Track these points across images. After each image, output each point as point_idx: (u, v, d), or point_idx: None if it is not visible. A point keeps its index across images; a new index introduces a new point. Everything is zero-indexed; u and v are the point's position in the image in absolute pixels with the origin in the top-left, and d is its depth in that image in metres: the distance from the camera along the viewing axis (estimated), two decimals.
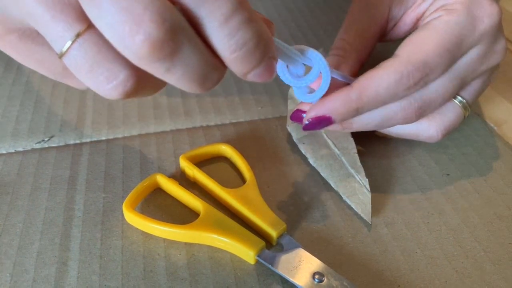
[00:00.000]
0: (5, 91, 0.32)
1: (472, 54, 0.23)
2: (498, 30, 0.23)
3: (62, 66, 0.18)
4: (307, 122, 0.22)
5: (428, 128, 0.24)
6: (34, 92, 0.32)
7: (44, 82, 0.33)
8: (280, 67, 0.20)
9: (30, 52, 0.18)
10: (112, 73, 0.15)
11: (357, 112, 0.22)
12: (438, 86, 0.23)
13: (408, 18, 0.25)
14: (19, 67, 0.35)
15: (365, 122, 0.23)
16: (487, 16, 0.22)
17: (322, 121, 0.22)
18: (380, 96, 0.21)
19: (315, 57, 0.20)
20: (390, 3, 0.24)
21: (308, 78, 0.21)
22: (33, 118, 0.30)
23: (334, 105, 0.22)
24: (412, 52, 0.22)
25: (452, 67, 0.23)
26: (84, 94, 0.32)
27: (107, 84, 0.15)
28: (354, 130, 0.24)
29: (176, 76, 0.15)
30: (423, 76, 0.21)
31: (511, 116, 0.30)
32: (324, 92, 0.21)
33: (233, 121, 0.29)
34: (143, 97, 0.27)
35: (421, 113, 0.23)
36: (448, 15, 0.22)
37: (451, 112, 0.24)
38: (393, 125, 0.24)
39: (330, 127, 0.24)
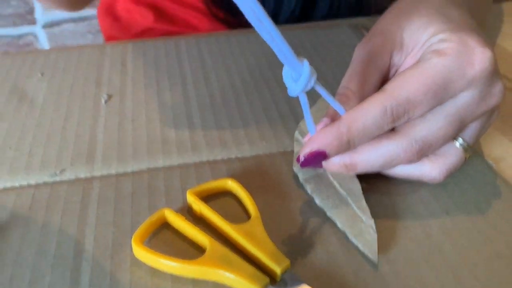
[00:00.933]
0: (18, 124, 0.33)
1: (467, 97, 0.24)
2: (492, 74, 0.24)
3: None
4: (303, 158, 0.23)
5: (430, 171, 0.25)
6: (46, 126, 0.33)
7: (56, 116, 0.34)
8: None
9: None
10: None
11: (349, 144, 0.23)
12: (436, 129, 0.24)
13: (407, 64, 0.26)
14: (32, 100, 0.36)
15: (369, 163, 0.24)
16: (478, 62, 0.23)
17: (317, 156, 0.23)
18: (368, 128, 0.23)
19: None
20: (391, 51, 0.26)
21: None
22: (45, 152, 0.31)
23: (326, 139, 0.23)
24: (397, 87, 0.23)
25: (448, 110, 0.24)
26: (95, 128, 0.33)
27: None
28: (359, 172, 0.25)
29: None
30: (405, 111, 0.23)
31: (509, 153, 0.31)
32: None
33: (239, 155, 0.30)
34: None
35: (422, 153, 0.24)
36: (438, 57, 0.23)
37: (453, 155, 0.25)
38: (396, 165, 0.25)
39: (336, 169, 0.25)
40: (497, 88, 0.25)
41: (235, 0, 0.18)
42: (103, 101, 0.35)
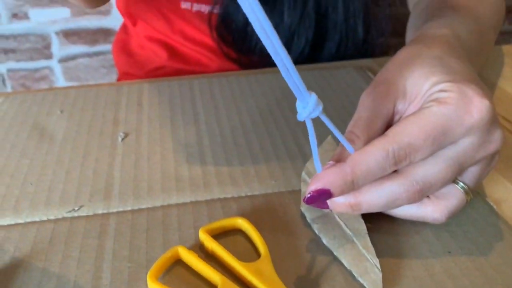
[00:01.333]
0: (39, 160, 0.35)
1: (466, 144, 0.25)
2: (490, 123, 0.25)
3: None
4: (308, 195, 0.25)
5: (433, 212, 0.26)
6: (66, 162, 0.35)
7: (75, 153, 0.36)
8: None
9: None
10: None
11: (353, 184, 0.25)
12: (436, 171, 0.25)
13: (410, 111, 0.27)
14: (52, 137, 0.38)
15: (373, 203, 0.25)
16: (476, 111, 0.25)
17: (322, 194, 0.25)
18: (371, 169, 0.24)
19: None
20: (395, 99, 0.27)
21: None
22: (65, 188, 0.32)
23: (331, 178, 0.24)
24: (398, 133, 0.25)
25: (447, 154, 0.25)
26: (112, 165, 0.34)
27: None
28: (364, 211, 0.26)
29: None
30: (407, 155, 0.25)
31: (510, 195, 0.32)
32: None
33: (249, 194, 0.32)
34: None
35: (423, 194, 0.25)
36: (438, 106, 0.25)
37: (454, 197, 0.26)
38: (399, 205, 0.26)
39: (342, 209, 0.26)
40: (496, 136, 0.26)
41: (257, 31, 0.20)
42: (120, 139, 0.37)
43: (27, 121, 0.40)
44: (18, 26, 0.95)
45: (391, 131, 0.25)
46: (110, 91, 0.45)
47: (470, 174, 0.27)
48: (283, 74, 0.21)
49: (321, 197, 0.25)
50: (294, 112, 0.41)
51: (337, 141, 0.29)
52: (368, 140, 0.26)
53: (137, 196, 0.31)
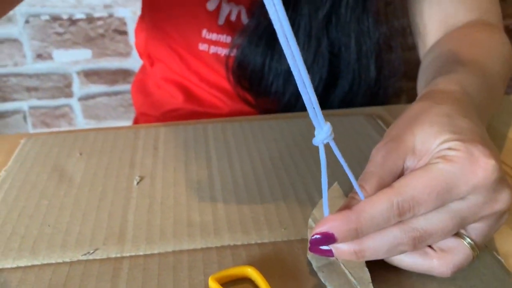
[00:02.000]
0: (57, 202, 0.36)
1: (470, 200, 0.26)
2: (496, 183, 0.26)
3: None
4: (313, 238, 0.26)
5: (439, 266, 0.26)
6: (83, 205, 0.36)
7: (92, 195, 0.37)
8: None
9: None
10: None
11: (357, 232, 0.25)
12: (437, 221, 0.26)
13: (419, 167, 0.28)
14: (71, 179, 0.39)
15: (376, 250, 0.26)
16: (481, 171, 0.25)
17: (326, 238, 0.25)
18: (375, 219, 0.25)
19: None
20: (405, 156, 0.28)
21: None
22: (81, 230, 0.33)
23: (336, 223, 0.25)
24: (404, 185, 0.26)
25: (450, 206, 0.26)
26: (127, 209, 0.35)
27: None
28: (368, 258, 0.27)
29: None
30: (410, 207, 0.25)
31: None
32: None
33: (258, 241, 0.32)
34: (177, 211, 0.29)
35: (423, 241, 0.26)
36: (444, 163, 0.26)
37: (460, 252, 0.27)
38: (401, 252, 0.26)
39: (346, 256, 0.26)
40: (503, 195, 0.27)
41: (292, 68, 0.21)
42: (135, 182, 0.39)
43: (48, 163, 0.42)
44: (42, 66, 0.99)
45: (397, 183, 0.26)
46: (128, 134, 0.46)
47: (477, 231, 0.27)
48: (305, 101, 0.23)
49: (325, 240, 0.25)
50: (305, 159, 0.42)
51: (343, 188, 0.30)
52: None
53: (150, 241, 0.32)
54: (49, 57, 0.98)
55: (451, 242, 0.27)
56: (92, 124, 1.07)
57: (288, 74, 0.57)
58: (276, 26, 0.21)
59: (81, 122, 1.06)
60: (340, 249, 0.26)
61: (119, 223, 0.34)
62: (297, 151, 0.43)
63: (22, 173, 0.40)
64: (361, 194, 0.26)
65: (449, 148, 0.26)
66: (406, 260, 0.27)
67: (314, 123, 0.24)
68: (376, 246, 0.26)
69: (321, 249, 0.26)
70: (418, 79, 0.50)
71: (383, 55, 0.59)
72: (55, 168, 0.41)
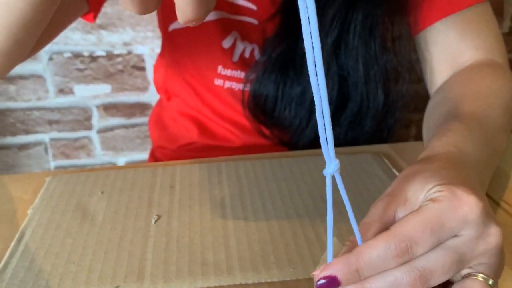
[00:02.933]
0: (80, 240, 0.39)
1: (464, 235, 0.28)
2: (483, 216, 0.28)
3: None
4: (318, 282, 0.27)
5: None
6: (105, 243, 0.39)
7: (113, 234, 0.39)
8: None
9: None
10: None
11: (358, 273, 0.27)
12: (436, 258, 0.27)
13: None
14: (93, 218, 0.42)
15: None
16: (465, 205, 0.27)
17: (330, 281, 0.27)
18: (374, 261, 0.27)
19: None
20: (396, 208, 0.30)
21: None
22: (103, 268, 0.36)
23: (338, 266, 0.27)
24: (399, 227, 0.28)
25: (447, 243, 0.28)
26: (145, 247, 0.38)
27: None
28: None
29: None
30: (408, 247, 0.27)
31: None
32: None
33: (268, 280, 0.34)
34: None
35: (424, 280, 0.27)
36: (432, 203, 0.28)
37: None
38: None
39: None
40: (493, 230, 0.28)
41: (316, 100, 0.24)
42: (153, 221, 0.41)
43: (71, 201, 0.44)
44: (64, 100, 1.04)
45: (393, 227, 0.28)
46: (146, 172, 0.49)
47: (483, 266, 0.28)
48: (321, 137, 0.25)
49: (330, 284, 0.27)
50: (313, 198, 0.44)
51: (342, 242, 0.32)
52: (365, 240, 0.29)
53: (167, 279, 0.34)
54: (71, 92, 1.03)
55: (467, 283, 0.28)
56: (110, 155, 1.10)
57: (299, 99, 0.59)
58: (309, 63, 0.23)
59: (99, 153, 1.10)
60: None
61: (138, 261, 0.36)
62: (306, 190, 0.46)
63: (48, 211, 0.43)
64: (359, 239, 0.28)
65: (435, 191, 0.29)
66: None
67: (326, 157, 0.26)
68: (377, 286, 0.27)
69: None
70: (424, 121, 0.52)
71: (390, 81, 0.61)
72: (78, 206, 0.44)
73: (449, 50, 0.58)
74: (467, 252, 0.28)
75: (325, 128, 0.25)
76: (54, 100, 1.04)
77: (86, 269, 0.36)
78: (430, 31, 0.58)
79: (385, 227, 0.29)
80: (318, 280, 0.28)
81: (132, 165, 0.52)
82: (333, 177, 0.26)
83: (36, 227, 0.41)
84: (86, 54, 1.00)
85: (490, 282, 0.29)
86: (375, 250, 0.27)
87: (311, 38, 0.23)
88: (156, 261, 0.36)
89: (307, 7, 0.22)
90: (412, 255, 0.27)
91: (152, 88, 1.04)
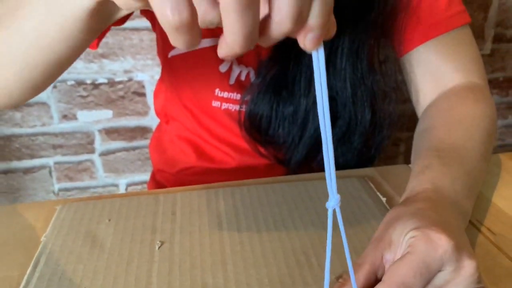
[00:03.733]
0: (91, 266, 0.43)
1: (445, 272, 0.32)
2: (455, 253, 0.32)
3: None
4: None
5: None
6: (113, 268, 0.42)
7: (120, 260, 0.43)
8: None
9: None
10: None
11: None
12: None
13: (398, 257, 0.34)
14: (102, 244, 0.46)
15: None
16: (438, 246, 0.32)
17: None
18: None
19: None
20: (383, 251, 0.35)
21: None
22: None
23: None
24: (392, 275, 0.31)
25: (434, 283, 0.32)
26: (150, 272, 0.42)
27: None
28: None
29: (241, 20, 0.22)
30: None
31: None
32: None
33: None
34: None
35: None
36: (412, 249, 0.32)
37: None
38: None
39: None
40: (466, 262, 0.32)
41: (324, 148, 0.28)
42: (157, 247, 0.45)
43: (81, 229, 0.48)
44: (67, 126, 1.08)
45: (386, 276, 0.32)
46: (149, 200, 0.53)
47: None
48: (326, 174, 0.29)
49: None
50: (304, 222, 0.48)
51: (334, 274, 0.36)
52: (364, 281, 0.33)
53: None
54: (74, 117, 1.07)
55: None
56: (112, 177, 1.14)
57: (291, 117, 0.64)
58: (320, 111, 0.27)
59: (101, 175, 1.14)
60: None
61: (145, 285, 0.40)
62: (297, 215, 0.50)
63: (60, 239, 0.47)
64: (353, 282, 0.32)
65: (411, 237, 0.33)
66: None
67: (329, 190, 0.30)
68: None
69: None
70: (413, 145, 0.56)
71: (377, 101, 0.65)
72: (88, 234, 0.47)
73: (432, 72, 0.62)
74: (449, 284, 0.32)
75: (329, 166, 0.29)
76: (58, 126, 1.08)
77: None
78: (413, 54, 0.63)
79: (374, 268, 0.34)
80: None
81: (135, 193, 0.55)
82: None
83: (50, 254, 0.45)
84: (88, 81, 1.04)
85: None
86: None
87: (321, 91, 0.27)
88: (161, 285, 0.40)
89: (318, 60, 0.27)
90: None
91: (152, 112, 1.08)
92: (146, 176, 1.14)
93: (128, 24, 0.64)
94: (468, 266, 0.32)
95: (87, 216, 0.51)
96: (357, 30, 0.60)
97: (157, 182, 0.81)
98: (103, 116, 1.07)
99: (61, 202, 0.54)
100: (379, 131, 0.67)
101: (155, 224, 0.49)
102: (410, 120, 0.65)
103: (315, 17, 0.25)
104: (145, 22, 0.68)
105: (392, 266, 0.32)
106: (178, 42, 0.24)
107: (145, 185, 1.14)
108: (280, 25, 0.24)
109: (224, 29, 0.24)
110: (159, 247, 0.45)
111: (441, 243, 0.32)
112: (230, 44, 0.24)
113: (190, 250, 0.44)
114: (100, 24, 0.36)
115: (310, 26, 0.25)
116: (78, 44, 0.37)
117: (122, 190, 1.15)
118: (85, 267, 0.43)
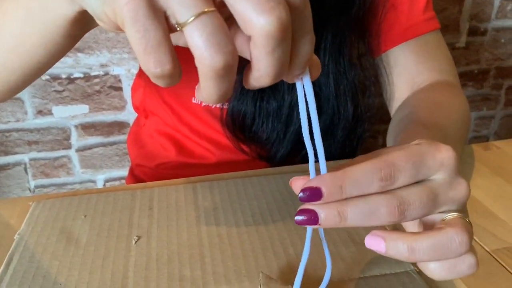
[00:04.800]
0: (66, 262, 0.42)
1: (439, 178, 0.30)
2: (456, 165, 0.31)
3: None
4: (301, 194, 0.28)
5: (455, 233, 0.29)
6: (89, 264, 0.42)
7: (96, 255, 0.43)
8: None
9: None
10: (223, 45, 0.23)
11: (341, 190, 0.28)
12: (414, 192, 0.29)
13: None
14: (77, 240, 0.45)
15: (357, 210, 0.28)
16: (443, 151, 0.31)
17: (313, 193, 0.28)
18: (359, 180, 0.28)
19: None
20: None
21: None
22: None
23: (324, 179, 0.28)
24: (385, 155, 0.30)
25: (425, 182, 0.30)
26: (127, 267, 0.41)
27: (219, 53, 0.23)
28: (350, 222, 0.29)
29: (274, 57, 0.24)
30: (391, 173, 0.29)
31: None
32: None
33: None
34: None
35: (401, 210, 0.29)
36: (414, 145, 0.31)
37: (459, 221, 0.30)
38: (381, 218, 0.29)
39: (330, 220, 0.29)
40: (463, 181, 0.31)
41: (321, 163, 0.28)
42: (133, 242, 0.44)
43: (56, 225, 0.47)
44: (42, 121, 1.06)
45: (379, 154, 0.30)
46: (126, 195, 0.53)
47: (454, 214, 0.31)
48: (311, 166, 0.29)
49: (312, 195, 0.28)
50: (282, 215, 0.48)
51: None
52: None
53: None
54: (49, 112, 1.05)
55: (448, 219, 0.30)
56: (89, 173, 1.12)
57: (276, 113, 0.64)
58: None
59: (78, 171, 1.12)
60: (325, 209, 0.28)
61: (121, 279, 0.40)
62: (275, 208, 0.50)
63: (34, 236, 0.46)
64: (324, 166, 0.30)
65: (416, 144, 0.32)
66: (425, 241, 0.29)
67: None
68: (357, 207, 0.28)
69: (306, 216, 0.29)
70: (387, 135, 0.57)
71: (359, 94, 0.66)
72: (63, 230, 0.47)
73: (409, 71, 0.63)
74: (441, 194, 0.30)
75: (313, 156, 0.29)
76: (33, 121, 1.06)
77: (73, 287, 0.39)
78: (390, 54, 0.64)
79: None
80: (302, 191, 0.28)
81: (112, 188, 0.55)
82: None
83: (23, 251, 0.44)
84: (64, 76, 1.02)
85: (467, 219, 0.31)
86: (361, 170, 0.28)
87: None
88: (138, 279, 0.40)
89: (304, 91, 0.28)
90: (393, 181, 0.29)
91: (129, 107, 1.07)
92: (124, 172, 1.13)
93: None
94: (464, 186, 0.31)
95: (62, 212, 0.50)
96: (339, 26, 0.61)
97: (135, 176, 0.80)
98: (79, 111, 1.06)
99: (36, 198, 0.53)
100: (360, 124, 0.68)
101: (132, 219, 0.48)
102: (387, 113, 0.66)
103: (296, 66, 0.26)
104: None
105: (388, 148, 0.31)
106: (158, 83, 0.25)
107: (124, 181, 1.13)
108: (259, 80, 0.26)
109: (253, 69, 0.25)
110: (135, 242, 0.44)
111: (447, 148, 0.31)
112: (258, 78, 0.26)
113: (167, 244, 0.44)
114: (81, 30, 0.36)
115: (292, 74, 0.26)
116: (58, 49, 0.37)
117: (100, 186, 1.14)
118: (60, 264, 0.42)
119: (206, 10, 0.23)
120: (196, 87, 0.27)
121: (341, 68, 0.63)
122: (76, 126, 1.08)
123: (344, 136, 0.67)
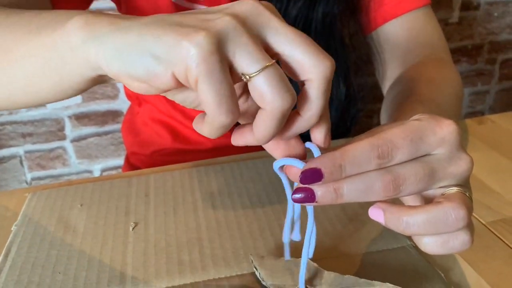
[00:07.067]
0: (65, 251, 0.42)
1: (439, 154, 0.30)
2: (458, 142, 0.30)
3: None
4: (302, 175, 0.28)
5: (453, 208, 0.29)
6: (87, 252, 0.42)
7: (94, 243, 0.43)
8: None
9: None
10: (289, 88, 0.27)
11: (341, 169, 0.28)
12: (410, 167, 0.29)
13: None
14: (75, 229, 0.45)
15: (353, 186, 0.29)
16: (445, 126, 0.30)
17: (314, 173, 0.28)
18: (357, 158, 0.28)
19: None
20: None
21: None
22: (87, 275, 0.39)
23: (323, 160, 0.28)
24: (383, 132, 0.29)
25: (422, 158, 0.30)
26: (125, 253, 0.41)
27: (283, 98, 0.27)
28: (345, 199, 0.29)
29: (326, 97, 0.29)
30: (388, 150, 0.29)
31: (455, 265, 0.38)
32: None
33: (239, 273, 0.38)
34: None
35: (396, 186, 0.29)
36: (414, 120, 0.31)
37: (458, 196, 0.30)
38: (376, 193, 0.29)
39: (328, 197, 0.29)
40: (465, 156, 0.31)
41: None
42: (131, 228, 0.44)
43: (53, 215, 0.47)
44: (35, 113, 1.05)
45: (376, 131, 0.30)
46: (122, 183, 0.52)
47: (454, 189, 0.30)
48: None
49: (313, 176, 0.28)
50: (278, 196, 0.48)
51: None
52: None
53: (146, 280, 0.38)
54: None
55: (447, 193, 0.30)
56: (85, 164, 1.12)
57: None
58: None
59: (74, 162, 1.12)
60: (322, 188, 0.28)
61: (120, 266, 0.40)
62: (272, 190, 0.50)
63: (31, 227, 0.46)
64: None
65: (416, 119, 0.31)
66: (421, 215, 0.29)
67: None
68: (353, 184, 0.29)
69: (304, 194, 0.29)
70: (381, 113, 0.57)
71: (351, 74, 0.65)
72: (60, 220, 0.47)
73: (399, 48, 0.63)
74: (439, 169, 0.30)
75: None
76: (26, 114, 1.05)
77: (72, 277, 0.39)
78: (381, 31, 0.64)
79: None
80: (302, 173, 0.29)
81: (108, 177, 0.55)
82: None
83: (21, 242, 0.44)
84: None
85: (467, 194, 0.30)
86: (359, 148, 0.28)
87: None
88: (136, 265, 0.40)
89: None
90: (391, 158, 0.29)
91: (122, 95, 1.06)
92: (120, 161, 1.13)
93: (93, 5, 0.61)
94: (466, 160, 0.31)
95: (59, 202, 0.50)
96: (329, 4, 0.60)
97: (132, 165, 0.80)
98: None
99: (32, 189, 0.53)
100: (353, 104, 0.68)
101: (129, 206, 0.48)
102: (381, 91, 0.66)
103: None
104: (109, 3, 0.66)
105: (386, 125, 0.30)
106: (219, 133, 0.30)
107: (120, 170, 1.12)
108: (309, 120, 0.29)
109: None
110: (133, 228, 0.45)
111: (448, 124, 0.30)
112: (308, 118, 0.30)
113: (165, 229, 0.44)
114: (95, 85, 0.35)
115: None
116: (67, 96, 0.37)
117: (96, 176, 1.14)
118: (59, 253, 0.42)
119: (268, 64, 0.27)
120: (200, 120, 0.32)
121: (332, 48, 0.62)
122: (69, 117, 1.07)
123: (337, 116, 0.66)
